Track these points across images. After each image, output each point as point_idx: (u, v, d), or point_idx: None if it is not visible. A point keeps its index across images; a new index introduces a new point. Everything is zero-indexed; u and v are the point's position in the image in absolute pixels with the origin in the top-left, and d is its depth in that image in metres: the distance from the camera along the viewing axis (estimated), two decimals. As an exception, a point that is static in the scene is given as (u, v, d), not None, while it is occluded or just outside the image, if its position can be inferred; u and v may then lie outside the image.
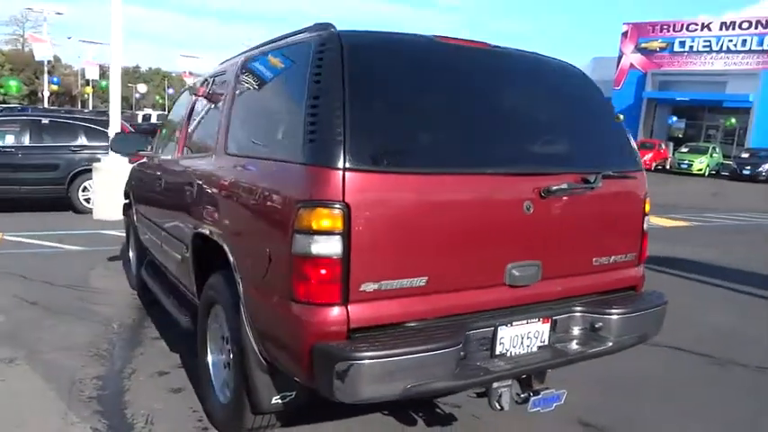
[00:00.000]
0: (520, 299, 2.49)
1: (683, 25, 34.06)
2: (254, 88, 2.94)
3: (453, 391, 2.35)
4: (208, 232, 2.82)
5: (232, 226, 2.57)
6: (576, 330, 2.63)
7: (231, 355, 2.82)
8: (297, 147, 2.19)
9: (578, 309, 2.62)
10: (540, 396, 2.48)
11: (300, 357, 2.14)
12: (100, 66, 46.85)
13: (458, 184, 2.29)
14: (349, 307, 2.11)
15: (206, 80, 3.62)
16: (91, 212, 9.53)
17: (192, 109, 3.82)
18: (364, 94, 2.19)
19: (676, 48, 34.22)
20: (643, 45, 35.32)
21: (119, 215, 9.17)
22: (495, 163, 2.40)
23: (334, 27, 2.50)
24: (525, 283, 2.49)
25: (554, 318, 2.55)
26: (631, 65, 35.67)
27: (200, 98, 3.63)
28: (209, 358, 3.10)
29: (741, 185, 23.26)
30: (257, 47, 3.21)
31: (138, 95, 62.56)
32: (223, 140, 2.97)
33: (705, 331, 4.83)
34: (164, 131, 4.58)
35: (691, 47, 33.70)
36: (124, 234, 7.90)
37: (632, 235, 2.85)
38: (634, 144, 3.01)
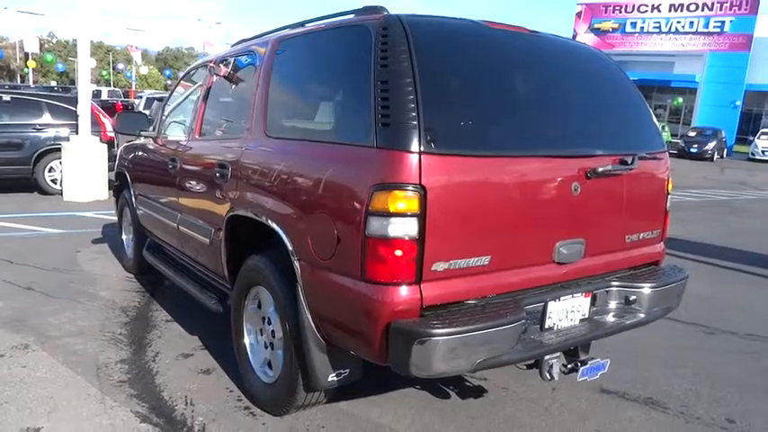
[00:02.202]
0: (565, 275, 2.62)
1: (634, 6, 35.01)
2: (296, 71, 2.93)
3: (511, 363, 2.46)
4: (252, 215, 2.81)
5: (286, 208, 2.57)
6: (612, 304, 2.78)
7: (275, 336, 2.86)
8: (366, 130, 2.22)
9: (615, 283, 2.78)
10: (587, 365, 2.63)
11: (372, 336, 2.20)
12: (39, 38, 44.51)
13: (518, 167, 2.38)
14: (422, 286, 2.19)
15: (226, 60, 3.56)
16: (59, 194, 9.21)
17: (209, 89, 3.76)
18: (433, 78, 2.23)
19: (628, 28, 35.20)
20: (596, 26, 36.15)
21: (91, 196, 9.01)
22: (549, 145, 2.51)
23: (387, 10, 2.53)
24: (570, 261, 2.62)
25: (594, 292, 2.70)
26: (585, 45, 36.47)
27: (219, 78, 3.57)
28: (246, 339, 3.12)
29: (689, 163, 24.33)
30: (290, 27, 3.19)
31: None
32: (260, 122, 2.95)
33: (689, 301, 5.14)
34: (168, 111, 4.47)
35: (642, 28, 34.73)
36: (103, 216, 7.74)
37: (658, 213, 3.03)
38: (658, 125, 3.16)
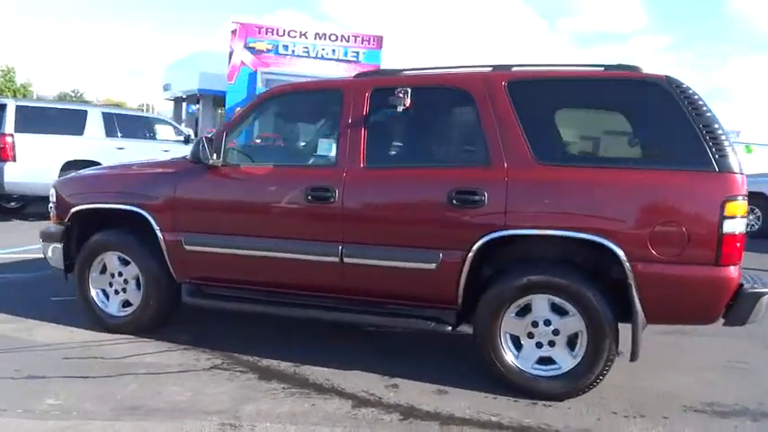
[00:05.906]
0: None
1: (284, 31, 38.24)
2: (567, 110, 3.53)
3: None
4: (558, 232, 3.27)
5: (616, 222, 3.18)
6: None
7: (559, 333, 3.39)
8: (705, 160, 3.11)
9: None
10: None
11: (720, 302, 3.17)
12: None
13: None
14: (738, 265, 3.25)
15: (404, 90, 3.62)
16: None
17: (366, 117, 3.72)
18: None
19: (281, 50, 38.13)
20: (251, 45, 38.11)
21: None
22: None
23: (641, 69, 3.45)
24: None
25: None
26: (242, 62, 38.09)
27: (398, 108, 3.62)
28: (508, 355, 3.47)
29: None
30: (501, 68, 3.65)
31: None
32: (522, 152, 3.36)
33: None
34: (258, 138, 4.01)
35: (293, 51, 38.22)
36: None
37: None
38: None
